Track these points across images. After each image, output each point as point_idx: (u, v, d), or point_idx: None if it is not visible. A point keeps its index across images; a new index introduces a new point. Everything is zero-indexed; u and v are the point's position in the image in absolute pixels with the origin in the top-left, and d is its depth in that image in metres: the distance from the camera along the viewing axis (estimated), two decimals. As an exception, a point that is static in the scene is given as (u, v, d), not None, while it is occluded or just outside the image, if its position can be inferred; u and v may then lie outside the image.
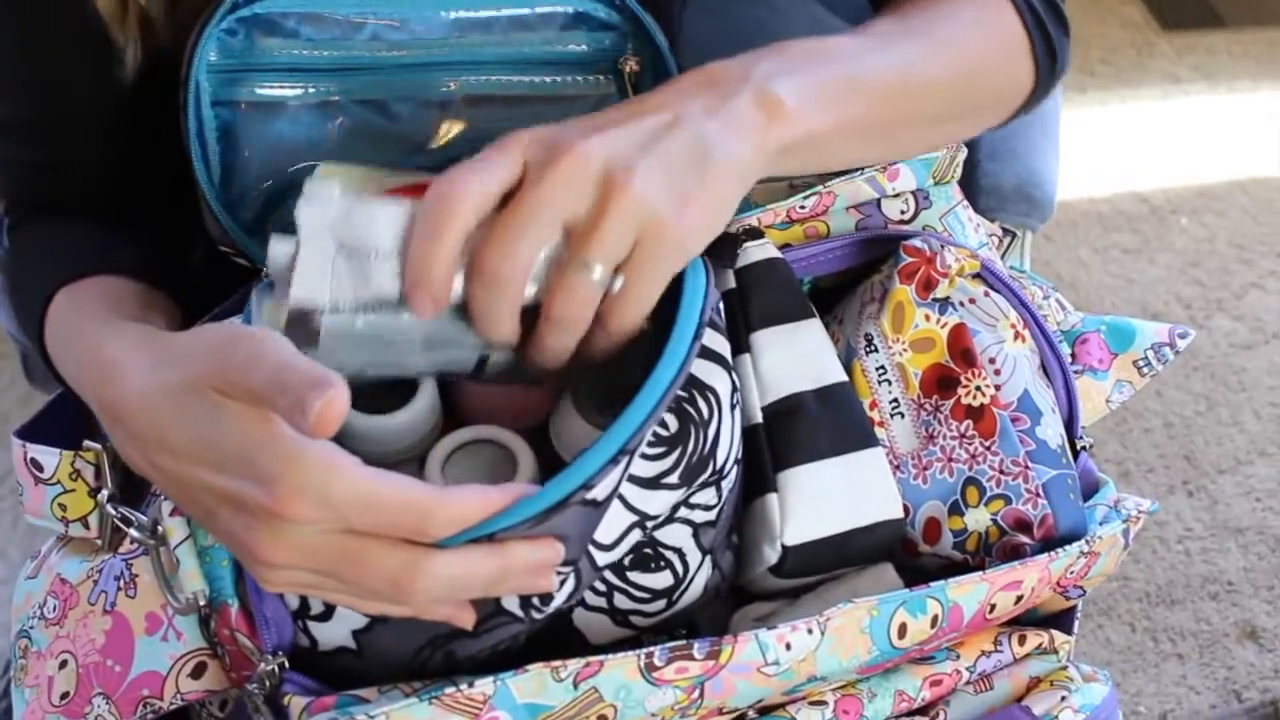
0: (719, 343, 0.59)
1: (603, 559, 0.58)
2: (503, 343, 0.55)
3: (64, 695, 0.60)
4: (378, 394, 0.60)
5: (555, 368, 0.56)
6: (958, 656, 0.63)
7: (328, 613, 0.55)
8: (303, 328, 0.53)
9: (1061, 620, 0.68)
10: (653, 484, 0.58)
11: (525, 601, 0.55)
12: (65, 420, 0.70)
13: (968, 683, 0.63)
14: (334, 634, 0.56)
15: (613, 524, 0.57)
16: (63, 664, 0.61)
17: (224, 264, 0.67)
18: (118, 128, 0.72)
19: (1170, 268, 1.86)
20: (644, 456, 0.57)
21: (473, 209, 0.52)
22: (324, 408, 0.46)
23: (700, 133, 0.55)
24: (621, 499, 0.57)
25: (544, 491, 0.51)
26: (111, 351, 0.57)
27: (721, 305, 0.60)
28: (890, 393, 0.65)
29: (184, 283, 0.70)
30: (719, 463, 0.59)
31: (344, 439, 0.60)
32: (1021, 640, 0.65)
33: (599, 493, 0.53)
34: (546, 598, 0.55)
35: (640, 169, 0.53)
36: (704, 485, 0.59)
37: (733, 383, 0.59)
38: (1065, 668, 0.65)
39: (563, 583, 0.56)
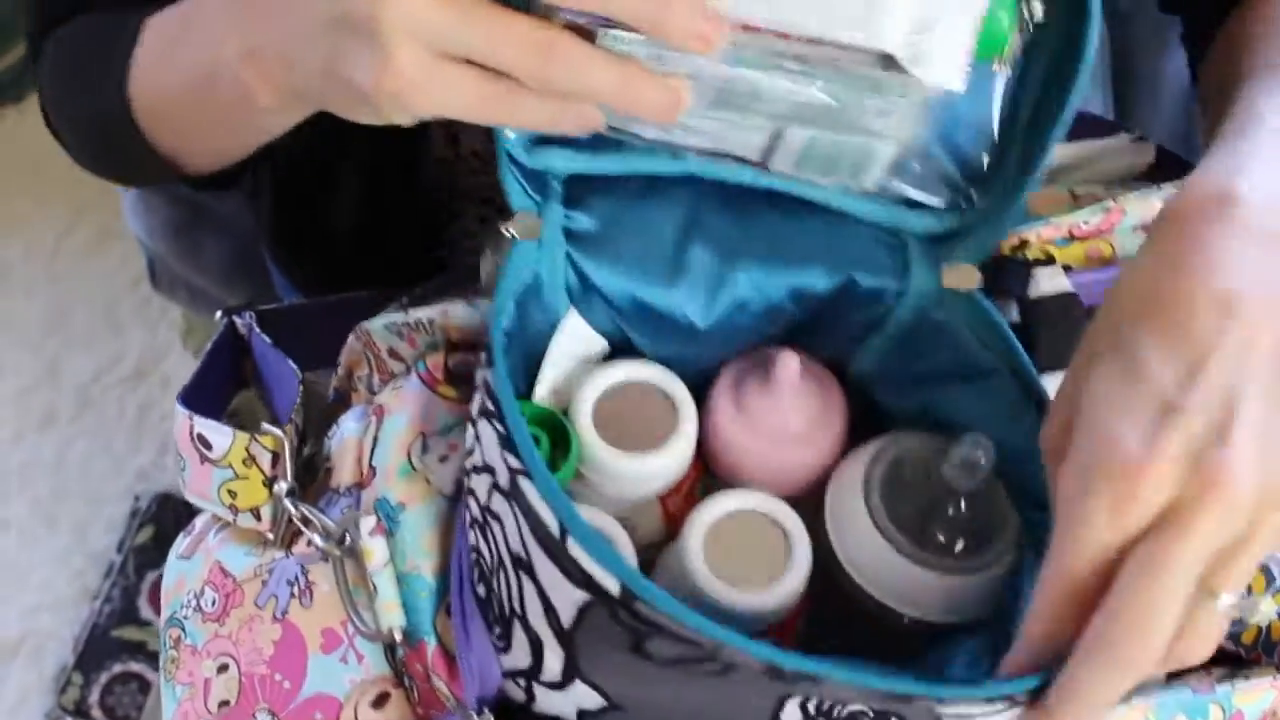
0: None
1: None
2: None
3: (223, 703, 0.55)
4: (630, 432, 0.53)
5: None
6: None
7: (563, 682, 0.48)
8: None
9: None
10: None
11: None
12: (223, 374, 0.63)
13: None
14: (559, 706, 0.49)
15: None
16: (222, 668, 0.55)
17: None
18: None
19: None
20: None
21: None
22: None
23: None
24: None
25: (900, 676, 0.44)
26: None
27: None
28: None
29: None
30: None
31: (590, 471, 0.53)
32: (1274, 724, 0.58)
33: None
34: None
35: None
36: None
37: None
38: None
39: None
